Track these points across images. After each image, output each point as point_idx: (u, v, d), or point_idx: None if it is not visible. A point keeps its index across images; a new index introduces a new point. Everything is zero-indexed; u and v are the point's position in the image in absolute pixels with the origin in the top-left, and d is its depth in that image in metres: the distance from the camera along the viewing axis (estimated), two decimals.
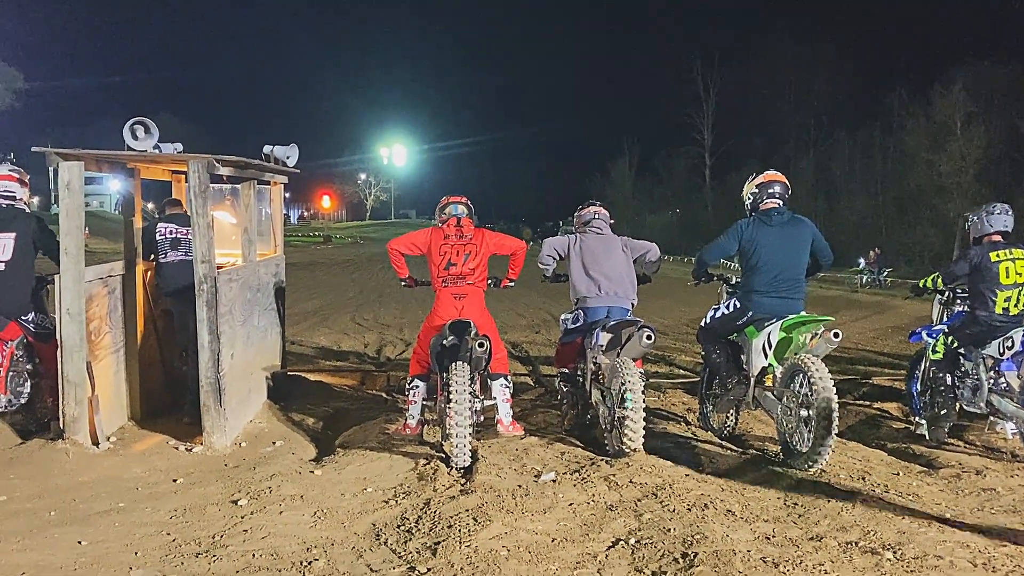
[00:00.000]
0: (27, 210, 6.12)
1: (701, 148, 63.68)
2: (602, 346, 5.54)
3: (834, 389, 4.75)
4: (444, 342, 5.33)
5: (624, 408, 5.02)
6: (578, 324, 5.90)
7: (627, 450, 4.97)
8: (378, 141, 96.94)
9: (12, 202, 5.96)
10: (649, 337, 5.38)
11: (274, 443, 5.81)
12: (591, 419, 5.80)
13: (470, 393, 5.02)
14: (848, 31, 55.38)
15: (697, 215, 59.05)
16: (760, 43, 55.59)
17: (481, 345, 5.18)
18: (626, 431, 5.00)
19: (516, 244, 6.07)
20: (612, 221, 6.22)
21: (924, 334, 6.22)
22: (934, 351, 5.99)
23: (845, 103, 50.03)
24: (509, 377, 5.80)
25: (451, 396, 4.96)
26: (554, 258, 6.11)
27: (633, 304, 5.95)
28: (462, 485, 4.55)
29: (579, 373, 5.92)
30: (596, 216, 6.12)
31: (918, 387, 6.18)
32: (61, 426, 5.38)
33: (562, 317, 6.19)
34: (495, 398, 5.64)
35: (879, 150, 45.28)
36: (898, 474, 4.92)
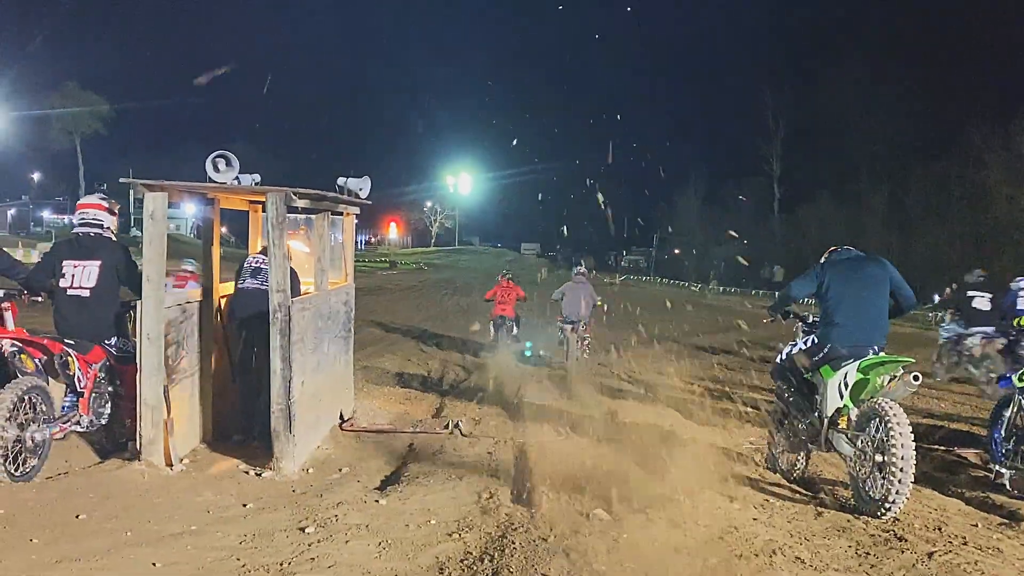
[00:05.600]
0: (113, 239, 6.37)
1: (770, 178, 62.63)
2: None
3: (912, 436, 4.61)
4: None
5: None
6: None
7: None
8: (444, 169, 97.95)
9: (100, 230, 6.20)
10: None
11: (340, 470, 5.89)
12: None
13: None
14: (922, 62, 53.87)
15: (765, 247, 57.96)
16: (831, 74, 54.46)
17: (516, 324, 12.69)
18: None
19: (521, 293, 13.82)
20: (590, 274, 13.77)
21: (1014, 379, 5.94)
22: None
23: (920, 135, 48.70)
24: None
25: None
26: (557, 299, 12.90)
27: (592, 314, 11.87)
28: (526, 520, 4.54)
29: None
30: (578, 272, 13.20)
31: (1002, 433, 5.91)
32: (137, 447, 5.55)
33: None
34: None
35: (956, 183, 43.91)
36: (977, 525, 4.74)
